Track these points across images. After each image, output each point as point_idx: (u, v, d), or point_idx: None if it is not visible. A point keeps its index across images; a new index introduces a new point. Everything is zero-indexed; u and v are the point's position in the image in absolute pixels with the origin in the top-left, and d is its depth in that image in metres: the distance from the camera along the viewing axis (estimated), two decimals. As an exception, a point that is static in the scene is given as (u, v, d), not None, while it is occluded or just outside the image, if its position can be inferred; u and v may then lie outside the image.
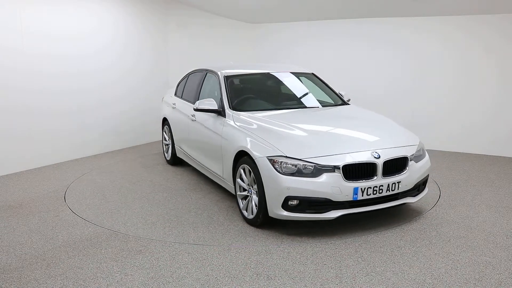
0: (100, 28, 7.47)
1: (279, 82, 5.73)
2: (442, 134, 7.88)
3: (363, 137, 4.28)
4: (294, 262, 3.45)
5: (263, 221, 4.09)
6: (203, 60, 8.88)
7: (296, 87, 5.71)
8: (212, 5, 8.93)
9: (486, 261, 3.44)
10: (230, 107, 4.93)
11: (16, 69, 6.20)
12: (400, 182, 4.00)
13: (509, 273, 3.26)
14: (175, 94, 6.71)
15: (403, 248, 3.70)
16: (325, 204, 3.81)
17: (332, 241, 3.85)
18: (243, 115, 4.76)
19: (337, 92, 5.71)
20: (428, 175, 4.47)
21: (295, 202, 3.82)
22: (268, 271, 3.30)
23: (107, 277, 3.23)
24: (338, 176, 3.78)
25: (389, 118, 5.02)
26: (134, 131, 8.37)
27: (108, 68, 7.66)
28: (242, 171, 4.31)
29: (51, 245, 3.83)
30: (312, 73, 5.90)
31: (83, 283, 3.14)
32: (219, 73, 5.46)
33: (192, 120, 5.63)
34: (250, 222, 4.24)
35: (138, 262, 3.47)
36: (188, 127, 5.84)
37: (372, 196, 3.89)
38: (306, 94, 5.61)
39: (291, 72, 5.78)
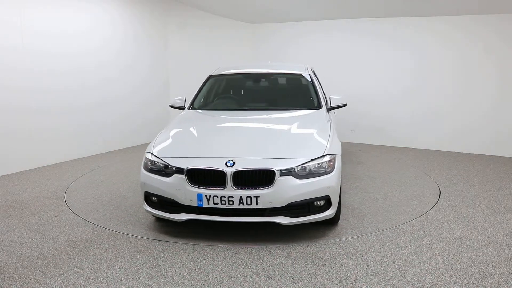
0: (99, 27, 7.47)
1: (260, 83, 5.71)
2: (442, 134, 7.88)
3: (240, 144, 4.00)
4: (294, 262, 3.45)
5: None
6: (203, 60, 8.88)
7: (277, 88, 5.67)
8: (212, 5, 8.94)
9: (486, 261, 3.44)
10: (189, 106, 5.17)
11: (16, 68, 6.20)
12: (259, 196, 3.59)
13: (509, 273, 3.26)
14: None
15: (403, 248, 3.69)
16: (175, 205, 3.80)
17: (332, 241, 3.84)
18: (190, 114, 4.97)
19: (321, 95, 5.29)
20: (328, 196, 3.75)
21: (155, 199, 3.91)
22: (268, 271, 3.30)
23: (107, 277, 3.23)
24: (183, 179, 3.71)
25: (329, 127, 4.36)
26: (135, 131, 8.37)
27: (107, 67, 7.66)
28: None
29: (51, 245, 3.83)
30: (310, 74, 5.68)
31: (83, 283, 3.14)
32: (211, 72, 5.57)
33: None
34: None
35: (138, 262, 3.47)
36: None
37: (220, 206, 3.64)
38: (281, 96, 5.50)
39: (289, 73, 5.72)
